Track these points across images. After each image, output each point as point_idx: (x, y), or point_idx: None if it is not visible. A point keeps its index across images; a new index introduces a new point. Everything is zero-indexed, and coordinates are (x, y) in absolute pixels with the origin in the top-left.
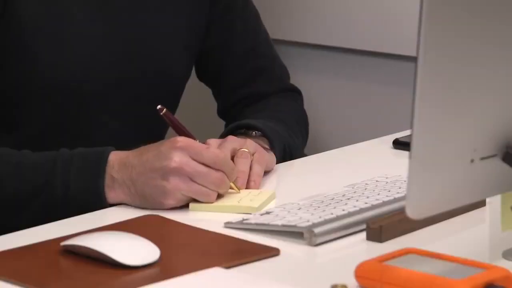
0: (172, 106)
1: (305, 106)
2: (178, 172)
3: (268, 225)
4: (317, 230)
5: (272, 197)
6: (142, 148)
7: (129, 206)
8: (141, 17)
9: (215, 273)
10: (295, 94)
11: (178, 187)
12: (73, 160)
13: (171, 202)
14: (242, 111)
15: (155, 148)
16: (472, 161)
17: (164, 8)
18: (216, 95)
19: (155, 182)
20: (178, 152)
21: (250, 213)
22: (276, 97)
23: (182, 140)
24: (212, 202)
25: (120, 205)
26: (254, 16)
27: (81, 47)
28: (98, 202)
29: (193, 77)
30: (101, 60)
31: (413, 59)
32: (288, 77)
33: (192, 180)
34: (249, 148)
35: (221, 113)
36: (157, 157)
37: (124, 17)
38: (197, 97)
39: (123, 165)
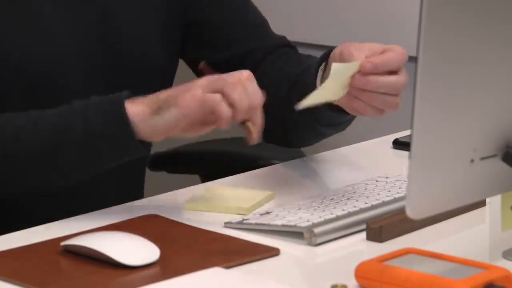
0: None
1: None
2: (209, 79)
3: (268, 225)
4: (317, 230)
5: (269, 198)
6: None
7: (130, 206)
8: (112, 4)
9: (215, 273)
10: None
11: (205, 84)
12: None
13: (189, 96)
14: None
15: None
16: (472, 161)
17: None
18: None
19: (185, 86)
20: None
21: (244, 214)
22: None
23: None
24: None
25: (120, 205)
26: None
27: (50, 42)
28: (118, 109)
29: (193, 76)
30: (72, 52)
31: (413, 59)
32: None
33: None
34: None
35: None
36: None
37: (94, 7)
38: None
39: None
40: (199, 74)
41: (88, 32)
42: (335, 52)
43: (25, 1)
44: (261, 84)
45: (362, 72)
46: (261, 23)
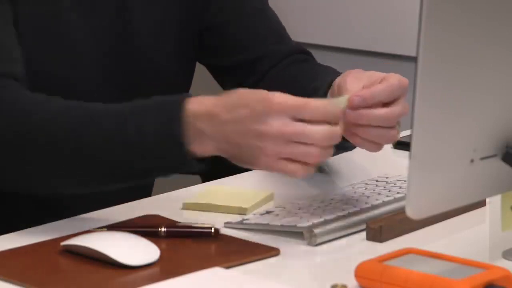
0: None
1: None
2: (277, 137)
3: (268, 225)
4: (317, 230)
5: (269, 198)
6: (230, 100)
7: (130, 206)
8: (129, 11)
9: (215, 273)
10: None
11: (275, 151)
12: (146, 106)
13: (266, 164)
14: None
15: (248, 105)
16: (472, 161)
17: (156, 2)
18: (229, 69)
19: (252, 142)
20: (275, 115)
21: (244, 214)
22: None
23: (278, 99)
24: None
25: (120, 205)
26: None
27: (69, 46)
28: (177, 150)
29: (197, 76)
30: (89, 58)
31: (413, 59)
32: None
33: (294, 141)
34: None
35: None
36: (253, 118)
37: (112, 13)
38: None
39: (210, 117)
40: (218, 78)
41: (106, 38)
42: (336, 81)
43: (51, 6)
44: (272, 88)
45: (351, 106)
46: (279, 28)
